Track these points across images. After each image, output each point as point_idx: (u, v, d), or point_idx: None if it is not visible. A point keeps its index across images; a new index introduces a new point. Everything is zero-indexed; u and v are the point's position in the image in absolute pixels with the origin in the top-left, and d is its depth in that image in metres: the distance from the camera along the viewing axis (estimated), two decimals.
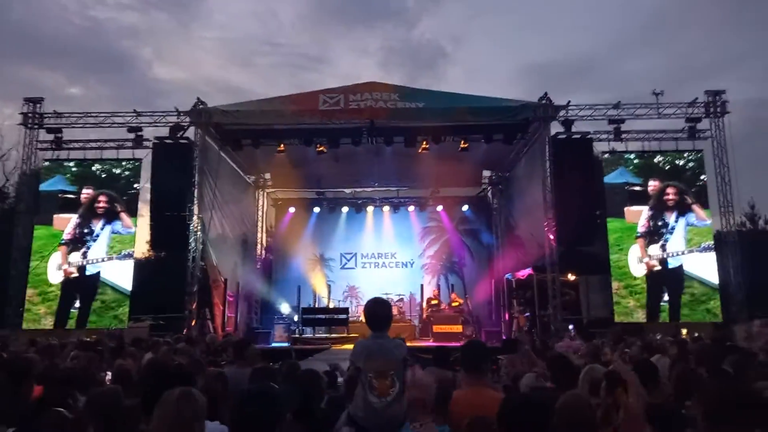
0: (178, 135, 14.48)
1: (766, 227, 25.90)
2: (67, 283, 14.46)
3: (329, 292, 19.23)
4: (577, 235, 13.83)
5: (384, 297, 16.94)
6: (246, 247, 18.25)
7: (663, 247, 14.30)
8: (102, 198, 14.90)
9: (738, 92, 14.72)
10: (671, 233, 14.36)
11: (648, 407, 2.90)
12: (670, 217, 14.37)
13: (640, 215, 14.40)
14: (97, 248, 14.63)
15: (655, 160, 14.90)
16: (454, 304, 17.32)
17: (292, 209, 20.20)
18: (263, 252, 19.99)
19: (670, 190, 14.47)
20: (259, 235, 19.73)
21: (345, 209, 20.20)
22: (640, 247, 14.27)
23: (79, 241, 14.69)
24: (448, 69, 63.20)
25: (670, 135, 14.99)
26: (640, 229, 14.36)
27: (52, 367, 4.50)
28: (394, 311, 17.01)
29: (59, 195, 15.00)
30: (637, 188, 14.63)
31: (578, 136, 14.25)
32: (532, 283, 14.87)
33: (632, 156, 14.98)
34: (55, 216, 14.84)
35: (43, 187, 15.10)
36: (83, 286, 14.46)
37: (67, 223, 14.77)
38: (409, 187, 19.71)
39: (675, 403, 3.20)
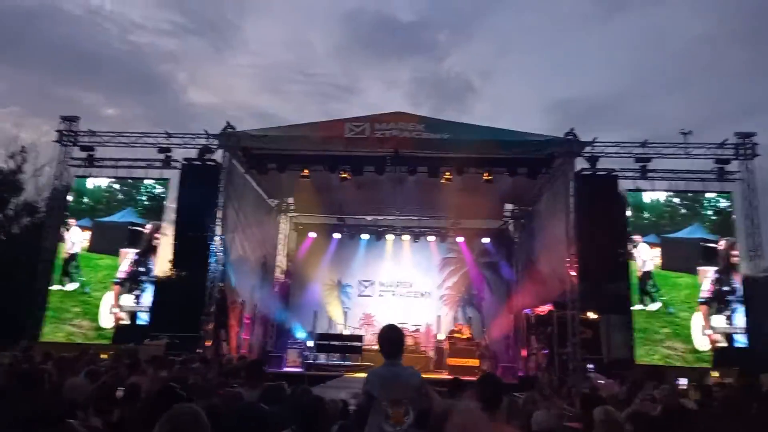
0: (206, 157, 14.78)
1: None
2: (120, 331, 14.29)
3: (345, 319, 19.14)
4: (600, 272, 13.61)
5: (401, 326, 16.90)
6: (265, 270, 18.34)
7: (729, 319, 13.33)
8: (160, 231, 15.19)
9: (764, 137, 14.44)
10: (741, 302, 13.46)
11: None
12: (739, 281, 13.68)
13: (706, 276, 13.72)
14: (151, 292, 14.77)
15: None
16: (465, 336, 16.99)
17: (312, 234, 20.30)
18: (282, 276, 20.05)
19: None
20: (278, 258, 19.83)
21: (365, 236, 20.23)
22: (703, 316, 13.45)
23: (134, 281, 14.81)
24: (476, 103, 63.65)
25: (698, 176, 14.77)
26: (704, 294, 13.49)
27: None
28: (410, 341, 16.94)
29: (128, 227, 15.23)
30: (711, 245, 14.00)
31: (603, 172, 14.14)
32: (552, 319, 14.59)
33: (709, 212, 14.53)
34: (121, 249, 15.01)
35: (115, 217, 15.31)
36: (132, 336, 13.71)
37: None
38: (430, 217, 19.69)
39: None
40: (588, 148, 14.12)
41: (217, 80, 63.21)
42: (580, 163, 14.09)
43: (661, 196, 14.77)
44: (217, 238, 14.05)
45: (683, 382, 10.87)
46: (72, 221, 15.30)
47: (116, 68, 51.18)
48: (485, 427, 2.82)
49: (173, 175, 15.20)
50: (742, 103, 52.26)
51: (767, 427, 3.52)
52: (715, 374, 12.72)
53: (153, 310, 14.51)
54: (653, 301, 13.88)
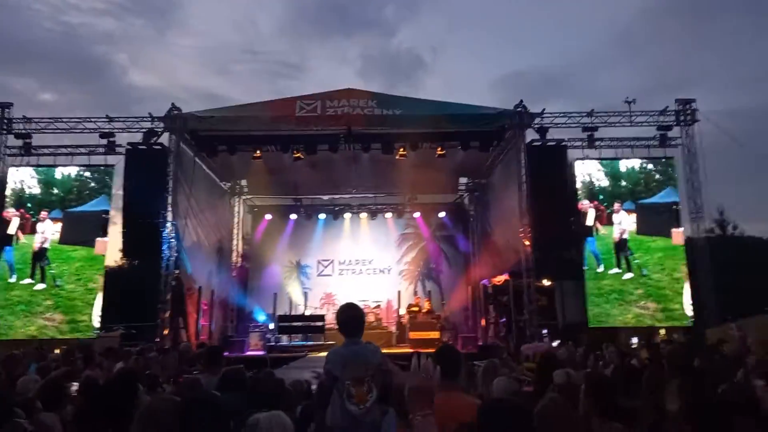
0: (152, 141, 14.27)
1: (734, 233, 26.60)
2: None
3: (306, 300, 19.09)
4: (553, 240, 14.02)
5: (361, 304, 16.98)
6: (221, 254, 18.03)
7: None
8: None
9: (706, 104, 15.02)
10: None
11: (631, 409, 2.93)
12: None
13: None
14: None
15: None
16: (424, 309, 17.27)
17: (268, 216, 20.04)
18: (239, 259, 19.75)
19: None
20: (234, 242, 19.50)
21: (322, 216, 20.12)
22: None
23: None
24: (426, 78, 63.90)
25: (642, 143, 15.28)
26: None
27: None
28: (372, 318, 17.09)
29: (102, 216, 14.64)
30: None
31: (553, 143, 14.44)
32: (508, 288, 14.99)
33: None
34: (98, 240, 14.40)
35: (88, 207, 14.64)
36: None
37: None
38: (386, 194, 19.73)
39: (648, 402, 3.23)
40: (537, 120, 14.38)
41: (159, 62, 61.02)
42: (531, 135, 14.38)
43: (636, 163, 15.15)
44: (168, 225, 13.67)
45: (635, 341, 11.39)
46: (44, 214, 14.58)
47: (50, 51, 48.65)
48: (447, 396, 2.87)
49: (117, 161, 14.62)
50: (682, 72, 54.37)
51: (705, 378, 3.72)
52: (662, 333, 13.41)
53: (105, 300, 14.00)
54: (629, 268, 14.31)
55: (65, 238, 14.47)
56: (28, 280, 14.21)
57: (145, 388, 4.32)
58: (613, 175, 15.12)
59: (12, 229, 14.51)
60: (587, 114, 14.78)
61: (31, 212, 14.66)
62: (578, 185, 14.87)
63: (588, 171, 15.04)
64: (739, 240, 26.26)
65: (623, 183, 15.09)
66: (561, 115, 14.77)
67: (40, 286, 14.12)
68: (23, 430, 2.19)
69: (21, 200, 14.73)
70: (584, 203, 14.77)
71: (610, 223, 14.65)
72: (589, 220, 14.71)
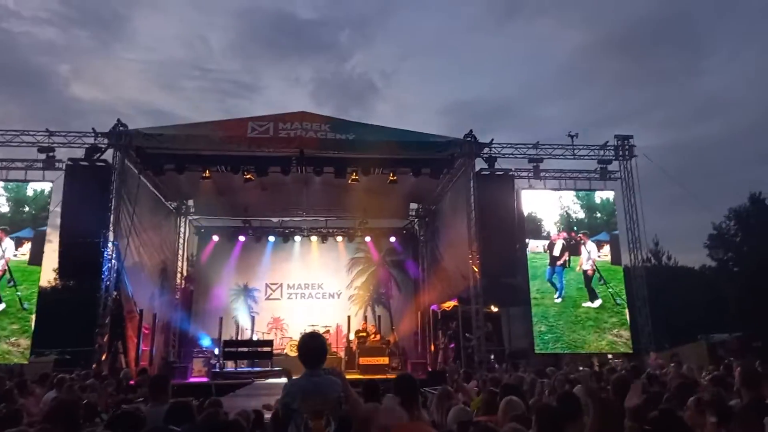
0: (95, 157, 13.75)
1: (669, 263, 27.98)
2: None
3: (253, 324, 18.64)
4: (500, 267, 14.32)
5: (310, 329, 16.71)
6: (165, 276, 17.41)
7: None
8: None
9: (643, 139, 15.97)
10: None
11: None
12: None
13: None
14: None
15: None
16: (372, 336, 17.20)
17: (215, 237, 19.57)
18: (183, 282, 19.13)
19: None
20: (179, 263, 18.89)
21: (272, 238, 19.82)
22: None
23: None
24: (378, 104, 64.76)
25: (585, 175, 15.97)
26: None
27: None
28: None
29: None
30: None
31: (501, 172, 14.88)
32: (457, 314, 15.15)
33: None
34: None
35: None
36: None
37: None
38: (337, 218, 19.67)
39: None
40: (486, 149, 14.80)
41: (104, 75, 59.30)
42: (480, 164, 14.76)
43: (610, 195, 15.79)
44: (110, 244, 13.11)
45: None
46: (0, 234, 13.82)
47: None
48: (409, 427, 2.87)
49: (56, 177, 13.98)
50: (621, 107, 57.40)
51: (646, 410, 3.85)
52: (611, 357, 13.85)
53: (38, 324, 13.19)
54: (596, 298, 14.67)
55: (34, 259, 13.80)
56: None
57: (82, 419, 4.10)
58: (589, 207, 15.68)
59: None
60: (533, 146, 15.33)
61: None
62: (552, 216, 15.37)
63: (565, 203, 15.58)
64: (672, 270, 27.64)
65: (598, 215, 15.66)
66: (508, 145, 15.25)
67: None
68: None
69: None
70: (554, 234, 15.23)
71: (578, 253, 15.11)
72: (556, 251, 15.14)
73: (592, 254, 15.13)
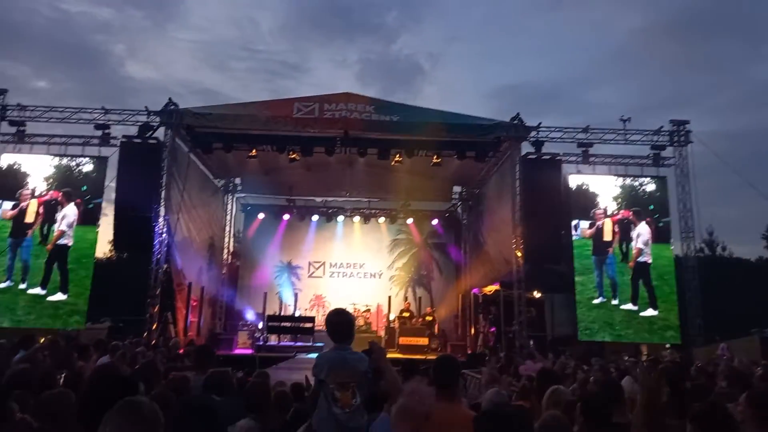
0: (147, 135, 14.20)
1: (723, 254, 26.86)
2: None
3: (296, 301, 19.02)
4: (544, 253, 14.07)
5: (351, 307, 16.91)
6: (212, 251, 17.96)
7: None
8: None
9: (699, 125, 15.21)
10: None
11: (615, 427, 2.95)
12: None
13: None
14: None
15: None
16: (427, 318, 17.33)
17: (261, 215, 19.97)
18: (229, 257, 19.68)
19: None
20: (226, 240, 19.44)
21: (315, 218, 20.08)
22: None
23: None
24: (424, 86, 64.11)
25: (636, 161, 15.43)
26: None
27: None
28: (361, 322, 17.07)
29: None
30: None
31: (548, 157, 14.53)
32: (499, 298, 15.03)
33: None
34: None
35: None
36: None
37: None
38: (380, 199, 19.75)
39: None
40: (533, 133, 14.47)
41: (157, 54, 60.85)
42: (526, 148, 14.45)
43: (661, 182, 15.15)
44: (160, 219, 13.59)
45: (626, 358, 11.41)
46: (60, 194, 14.32)
47: (46, 38, 48.29)
48: (449, 409, 2.87)
49: (111, 153, 14.51)
50: (676, 92, 54.94)
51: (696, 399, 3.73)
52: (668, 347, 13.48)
53: (93, 293, 13.84)
54: (645, 301, 14.01)
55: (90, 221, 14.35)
56: (37, 290, 13.69)
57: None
58: (641, 193, 15.05)
59: (30, 217, 14.13)
60: (583, 130, 14.89)
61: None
62: (604, 192, 14.90)
63: (617, 183, 15.04)
64: (727, 261, 26.51)
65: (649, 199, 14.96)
66: (556, 129, 14.88)
67: (56, 297, 13.65)
68: (29, 426, 2.12)
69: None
70: (600, 213, 14.64)
71: (626, 239, 14.46)
72: (607, 234, 14.48)
73: (641, 239, 14.44)
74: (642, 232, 14.49)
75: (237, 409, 3.32)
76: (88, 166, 14.74)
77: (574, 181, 14.97)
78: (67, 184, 14.50)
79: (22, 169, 14.64)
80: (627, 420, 3.16)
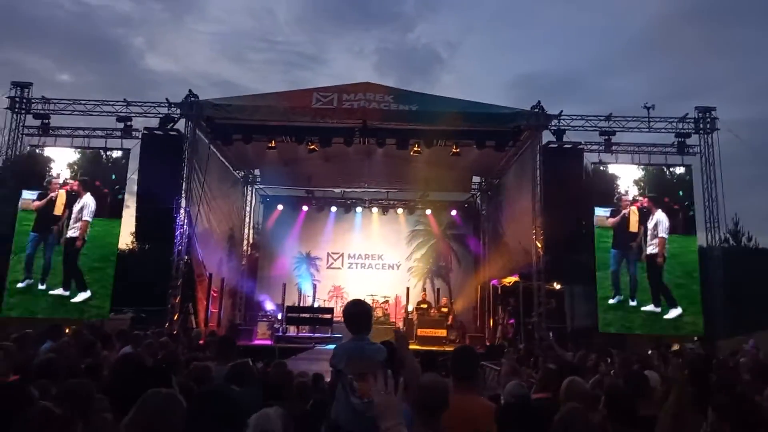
0: (168, 127, 14.33)
1: (749, 245, 26.26)
2: None
3: (314, 292, 19.12)
4: (565, 244, 13.89)
5: (369, 299, 16.93)
6: (232, 242, 18.12)
7: None
8: None
9: (724, 113, 14.80)
10: None
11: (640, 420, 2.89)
12: None
13: None
14: None
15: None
16: (443, 309, 17.32)
17: (280, 206, 20.07)
18: (249, 248, 19.85)
19: None
20: (245, 231, 19.60)
21: (334, 209, 20.12)
22: None
23: None
24: (443, 75, 63.66)
25: (660, 149, 15.12)
26: None
27: (28, 357, 4.39)
28: (380, 313, 17.10)
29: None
30: None
31: (569, 145, 14.31)
32: (518, 290, 14.92)
33: None
34: None
35: None
36: None
37: None
38: (398, 190, 19.70)
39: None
40: (554, 122, 14.25)
41: (176, 47, 61.32)
42: (547, 137, 14.24)
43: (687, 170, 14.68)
44: (182, 211, 13.73)
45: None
46: (77, 184, 14.22)
47: (68, 32, 48.95)
48: (467, 400, 2.85)
49: (133, 145, 14.67)
50: (701, 79, 53.66)
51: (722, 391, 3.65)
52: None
53: (116, 283, 14.04)
54: (667, 302, 13.51)
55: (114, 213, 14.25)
56: (59, 291, 13.55)
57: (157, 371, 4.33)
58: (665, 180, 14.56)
59: (59, 209, 14.01)
60: (605, 118, 14.63)
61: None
62: (627, 177, 14.52)
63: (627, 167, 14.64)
64: (753, 251, 25.92)
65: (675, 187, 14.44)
66: (578, 117, 14.64)
67: (80, 298, 13.52)
68: (50, 413, 2.15)
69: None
70: (626, 199, 14.19)
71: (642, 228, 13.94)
72: (633, 225, 13.97)
73: (660, 229, 13.92)
74: (661, 219, 14.01)
75: (257, 399, 3.34)
76: (116, 152, 14.75)
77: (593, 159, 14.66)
78: (93, 171, 14.47)
79: (46, 154, 14.60)
80: (653, 413, 3.11)
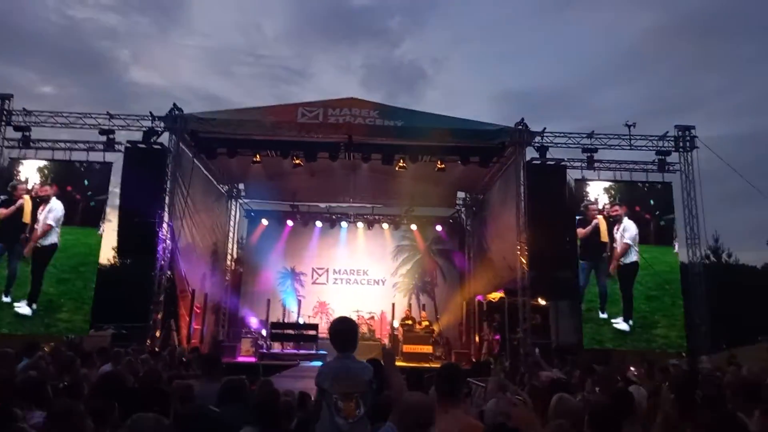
0: (152, 140, 14.20)
1: (729, 261, 26.68)
2: None
3: (299, 308, 18.95)
4: (549, 260, 13.96)
5: (354, 314, 16.84)
6: (216, 257, 17.92)
7: None
8: None
9: (705, 129, 15.11)
10: None
11: None
12: None
13: None
14: None
15: None
16: (425, 323, 17.26)
17: (264, 221, 19.94)
18: (233, 264, 19.65)
19: None
20: (229, 246, 19.42)
21: (319, 224, 20.03)
22: None
23: None
24: (428, 91, 64.20)
25: (641, 166, 15.33)
26: None
27: (7, 378, 4.26)
28: (365, 329, 16.99)
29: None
30: None
31: (552, 162, 14.46)
32: (503, 305, 14.93)
33: None
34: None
35: None
36: None
37: None
38: (384, 205, 19.71)
39: None
40: (537, 138, 14.40)
41: (161, 60, 61.11)
42: (530, 153, 14.37)
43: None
44: (164, 225, 13.56)
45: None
46: (48, 188, 13.83)
47: (52, 44, 48.60)
48: (454, 416, 2.82)
49: (116, 159, 14.50)
50: (682, 95, 54.82)
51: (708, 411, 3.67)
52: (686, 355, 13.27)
53: (96, 299, 13.75)
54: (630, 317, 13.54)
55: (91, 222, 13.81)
56: (23, 303, 13.01)
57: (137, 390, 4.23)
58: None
59: (27, 216, 13.57)
60: (587, 135, 14.82)
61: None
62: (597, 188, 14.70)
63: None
64: (733, 267, 26.34)
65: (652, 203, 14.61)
66: (561, 135, 14.81)
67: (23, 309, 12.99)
68: None
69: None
70: (593, 208, 14.29)
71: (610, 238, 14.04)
72: (604, 235, 14.02)
73: (628, 234, 13.97)
74: (628, 227, 14.12)
75: (238, 418, 3.26)
76: (95, 156, 14.48)
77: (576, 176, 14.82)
78: (64, 176, 14.16)
79: (17, 161, 14.22)
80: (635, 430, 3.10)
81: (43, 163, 14.35)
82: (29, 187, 13.97)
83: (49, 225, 13.57)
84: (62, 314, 13.22)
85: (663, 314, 13.80)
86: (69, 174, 14.32)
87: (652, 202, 14.72)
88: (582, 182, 14.86)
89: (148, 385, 4.30)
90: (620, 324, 13.58)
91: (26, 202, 13.78)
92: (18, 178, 14.09)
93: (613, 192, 14.67)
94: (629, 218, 14.31)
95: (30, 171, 14.24)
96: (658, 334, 13.69)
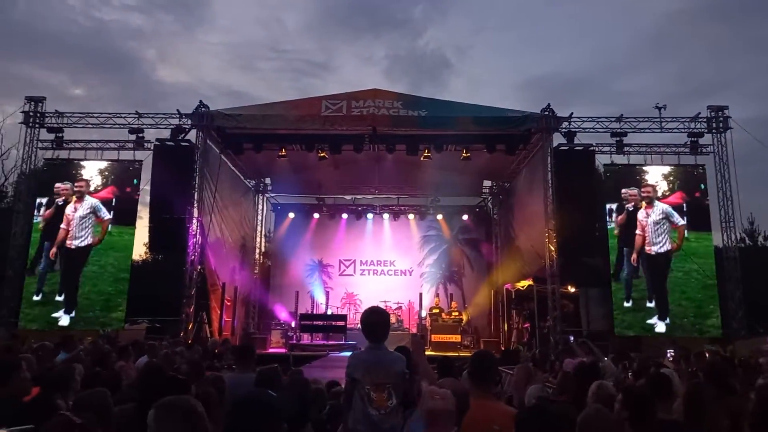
0: (180, 137, 14.44)
1: (766, 244, 25.88)
2: None
3: (327, 299, 19.13)
4: (578, 246, 13.78)
5: (382, 305, 16.90)
6: (244, 251, 18.18)
7: None
8: None
9: (738, 111, 14.61)
10: None
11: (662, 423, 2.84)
12: None
13: None
14: None
15: None
16: (454, 314, 17.25)
17: (291, 214, 20.12)
18: (261, 257, 19.92)
19: None
20: (257, 239, 19.67)
21: (345, 216, 20.14)
22: None
23: None
24: (452, 79, 63.60)
25: (672, 149, 14.96)
26: None
27: (48, 368, 4.42)
28: (393, 319, 17.04)
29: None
30: None
31: (580, 148, 14.22)
32: (532, 294, 14.80)
33: None
34: None
35: None
36: None
37: None
38: (409, 195, 19.69)
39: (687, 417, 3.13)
40: (565, 124, 14.17)
41: (187, 58, 61.89)
42: (557, 139, 14.17)
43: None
44: (194, 220, 13.81)
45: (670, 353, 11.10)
46: (82, 184, 14.49)
47: (81, 46, 49.61)
48: (485, 405, 2.82)
49: (146, 157, 14.80)
50: (716, 76, 53.18)
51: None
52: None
53: (130, 294, 14.13)
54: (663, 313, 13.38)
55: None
56: (62, 317, 13.65)
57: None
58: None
59: (67, 216, 14.17)
60: (616, 119, 14.53)
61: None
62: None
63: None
64: None
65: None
66: (589, 119, 14.54)
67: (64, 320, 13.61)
68: (71, 423, 2.15)
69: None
70: (632, 192, 14.06)
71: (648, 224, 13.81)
72: (641, 222, 13.78)
73: (673, 220, 13.75)
74: (670, 212, 13.94)
75: (287, 405, 3.31)
76: (125, 154, 14.99)
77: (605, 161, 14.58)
78: (110, 176, 14.71)
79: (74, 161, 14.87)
80: (672, 417, 3.05)
81: (101, 164, 14.84)
82: (69, 187, 14.47)
83: (103, 219, 14.18)
84: (97, 311, 13.80)
85: (698, 301, 13.54)
86: (112, 174, 14.77)
87: (702, 186, 14.41)
88: (631, 167, 14.55)
89: (194, 376, 4.38)
90: (658, 325, 13.40)
91: (69, 202, 14.35)
92: (78, 176, 14.64)
93: (672, 177, 14.36)
94: (678, 204, 14.04)
95: (90, 169, 14.82)
96: (693, 321, 13.40)
